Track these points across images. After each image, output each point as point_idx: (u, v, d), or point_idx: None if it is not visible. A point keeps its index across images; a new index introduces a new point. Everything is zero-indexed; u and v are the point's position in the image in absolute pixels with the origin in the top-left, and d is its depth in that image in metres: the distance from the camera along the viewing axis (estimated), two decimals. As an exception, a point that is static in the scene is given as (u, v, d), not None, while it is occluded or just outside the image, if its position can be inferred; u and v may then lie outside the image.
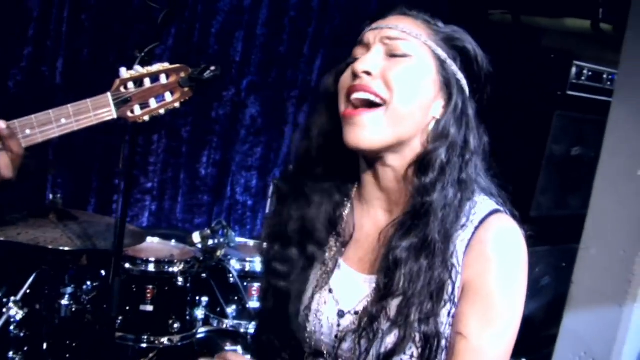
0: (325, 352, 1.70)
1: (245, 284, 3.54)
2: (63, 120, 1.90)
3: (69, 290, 3.25)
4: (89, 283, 3.31)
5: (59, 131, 1.90)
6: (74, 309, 3.25)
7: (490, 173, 1.71)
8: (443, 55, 1.63)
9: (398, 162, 1.63)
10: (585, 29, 4.55)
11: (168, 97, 2.06)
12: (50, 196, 3.20)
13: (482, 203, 1.62)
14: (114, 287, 2.59)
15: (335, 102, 1.66)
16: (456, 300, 1.56)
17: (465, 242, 1.57)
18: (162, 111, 2.06)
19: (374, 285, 1.62)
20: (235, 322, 3.51)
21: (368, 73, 1.59)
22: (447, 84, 1.64)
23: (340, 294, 1.68)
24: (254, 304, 3.55)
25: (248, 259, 3.64)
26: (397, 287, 1.54)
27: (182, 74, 2.07)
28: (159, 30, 2.57)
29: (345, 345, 1.64)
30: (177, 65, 2.06)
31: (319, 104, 1.79)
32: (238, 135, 4.97)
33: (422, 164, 1.60)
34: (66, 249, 2.94)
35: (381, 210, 1.71)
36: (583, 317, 3.96)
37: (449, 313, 1.55)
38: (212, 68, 2.04)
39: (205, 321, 3.55)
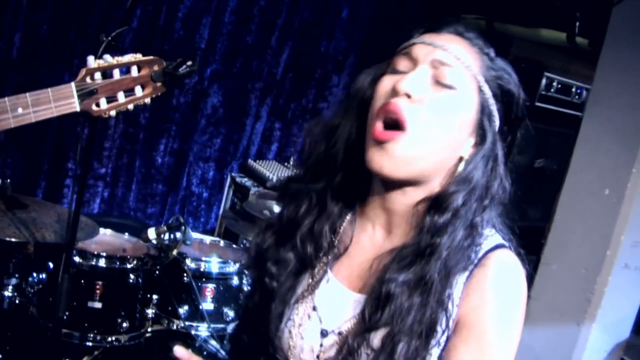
0: None
1: (199, 284, 3.39)
2: (20, 110, 1.73)
3: (14, 281, 3.09)
4: (34, 275, 3.13)
5: (14, 122, 1.74)
6: (17, 301, 3.09)
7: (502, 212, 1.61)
8: (488, 93, 1.52)
9: (412, 192, 1.53)
10: (560, 41, 4.52)
11: (138, 91, 1.91)
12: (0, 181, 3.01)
13: (489, 237, 1.53)
14: (62, 285, 2.42)
15: (367, 108, 1.55)
16: (449, 332, 1.47)
17: (466, 272, 1.49)
18: (130, 106, 1.92)
19: (360, 306, 1.53)
20: (187, 323, 3.36)
21: (408, 95, 1.46)
22: (483, 125, 1.53)
23: (325, 311, 1.59)
24: (207, 305, 3.40)
25: (204, 259, 3.46)
26: (384, 321, 1.45)
27: (156, 67, 1.92)
28: (127, 13, 2.39)
29: None
30: (151, 58, 1.91)
31: (348, 106, 1.65)
32: (198, 124, 4.83)
33: (438, 203, 1.49)
34: (13, 240, 2.77)
35: (380, 228, 1.61)
36: (540, 333, 3.96)
37: (437, 343, 1.46)
38: (189, 63, 1.90)
39: (155, 320, 3.39)
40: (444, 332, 1.46)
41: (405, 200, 1.54)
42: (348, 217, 1.68)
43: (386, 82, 1.52)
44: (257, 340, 1.68)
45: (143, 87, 1.91)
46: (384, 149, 1.46)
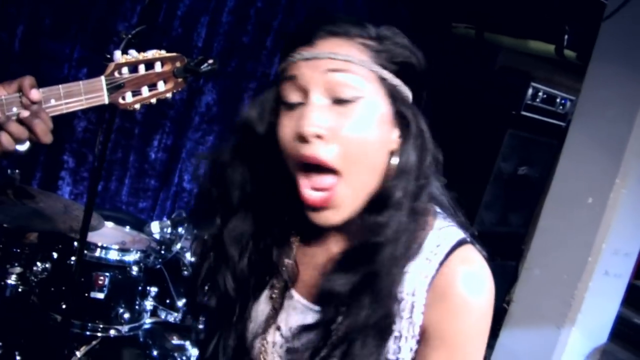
0: None
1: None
2: (52, 102, 1.81)
3: (18, 269, 3.11)
4: (39, 264, 3.16)
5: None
6: (20, 290, 3.12)
7: (444, 186, 1.55)
8: (389, 76, 1.40)
9: None
10: (548, 53, 4.62)
11: (161, 86, 1.98)
12: (8, 171, 3.05)
13: (445, 230, 1.46)
14: (74, 278, 2.48)
15: (260, 144, 1.46)
16: (414, 337, 1.44)
17: (428, 278, 1.42)
18: (153, 100, 1.98)
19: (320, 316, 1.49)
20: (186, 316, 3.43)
21: (319, 136, 1.35)
22: (401, 112, 1.42)
23: (288, 330, 1.55)
24: (206, 299, 3.46)
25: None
26: (337, 325, 1.41)
27: (178, 64, 1.99)
28: (146, 11, 2.49)
29: None
30: (174, 54, 1.98)
31: (238, 144, 1.55)
32: (192, 121, 4.88)
33: (376, 202, 1.41)
34: (20, 229, 2.82)
35: (330, 237, 1.55)
36: (520, 336, 4.03)
37: (398, 349, 1.43)
38: (210, 61, 1.97)
39: (153, 312, 3.45)
40: (407, 337, 1.43)
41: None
42: (294, 238, 1.61)
43: (287, 126, 1.40)
44: None
45: (165, 82, 1.98)
46: (323, 209, 1.39)
